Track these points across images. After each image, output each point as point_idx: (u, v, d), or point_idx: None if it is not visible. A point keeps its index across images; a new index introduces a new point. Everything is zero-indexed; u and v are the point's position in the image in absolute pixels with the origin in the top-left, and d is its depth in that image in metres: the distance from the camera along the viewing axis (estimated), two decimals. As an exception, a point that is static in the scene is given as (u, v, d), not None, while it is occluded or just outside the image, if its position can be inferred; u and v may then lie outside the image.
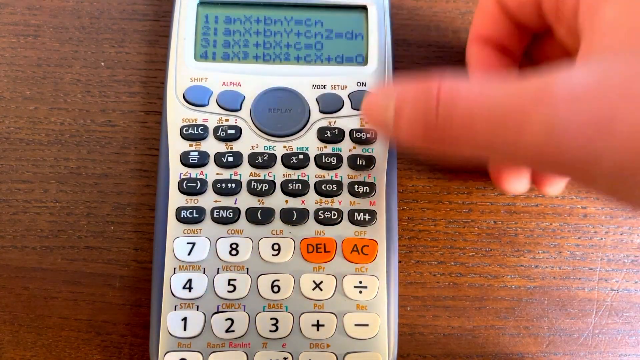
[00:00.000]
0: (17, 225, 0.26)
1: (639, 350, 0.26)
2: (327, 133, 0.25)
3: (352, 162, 0.24)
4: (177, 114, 0.25)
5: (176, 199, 0.24)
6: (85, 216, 0.26)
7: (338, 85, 0.25)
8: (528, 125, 0.16)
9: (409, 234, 0.26)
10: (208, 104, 0.25)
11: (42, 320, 0.25)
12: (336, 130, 0.25)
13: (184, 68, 0.25)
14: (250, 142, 0.24)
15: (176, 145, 0.24)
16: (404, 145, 0.21)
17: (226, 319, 0.23)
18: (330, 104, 0.25)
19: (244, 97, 0.25)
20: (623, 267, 0.27)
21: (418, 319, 0.26)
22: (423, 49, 0.29)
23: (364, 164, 0.24)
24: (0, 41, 0.28)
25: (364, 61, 0.26)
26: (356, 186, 0.24)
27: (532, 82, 0.17)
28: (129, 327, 0.25)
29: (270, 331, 0.23)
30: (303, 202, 0.24)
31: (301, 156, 0.24)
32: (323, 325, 0.23)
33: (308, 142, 0.25)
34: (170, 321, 0.23)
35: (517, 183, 0.25)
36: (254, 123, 0.25)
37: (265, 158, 0.24)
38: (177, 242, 0.23)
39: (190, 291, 0.23)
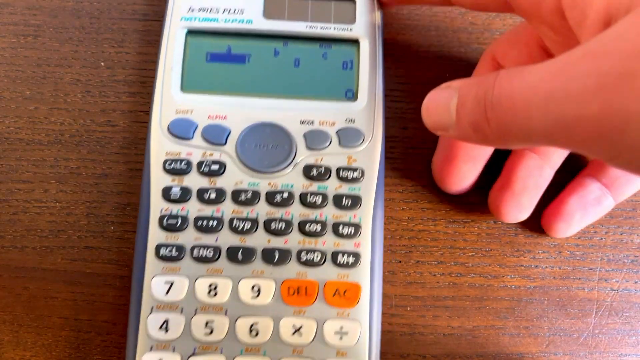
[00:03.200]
0: (17, 226, 0.26)
1: (639, 350, 0.26)
2: (313, 171, 0.24)
3: (338, 201, 0.24)
4: (160, 146, 0.24)
5: (156, 235, 0.23)
6: (85, 216, 0.26)
7: (326, 122, 0.24)
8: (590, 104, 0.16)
9: (409, 234, 0.26)
10: (193, 138, 0.24)
11: (42, 320, 0.25)
12: (322, 168, 0.24)
13: (170, 99, 0.24)
14: (234, 178, 0.24)
15: (158, 180, 0.24)
16: (464, 141, 0.21)
17: None
18: (317, 141, 0.24)
19: (230, 131, 0.24)
20: (623, 267, 0.27)
21: (418, 319, 0.26)
22: (423, 50, 0.29)
23: (349, 204, 0.24)
24: (0, 41, 0.28)
25: (353, 97, 0.25)
26: (341, 227, 0.23)
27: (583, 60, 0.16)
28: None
29: None
30: (286, 241, 0.23)
31: (285, 194, 0.24)
32: None
33: (293, 179, 0.24)
34: None
35: (517, 212, 0.25)
36: (239, 158, 0.24)
37: (248, 196, 0.23)
38: (155, 280, 0.23)
39: (166, 332, 0.22)
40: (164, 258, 0.23)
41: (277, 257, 0.23)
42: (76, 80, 0.28)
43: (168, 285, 0.23)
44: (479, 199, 0.27)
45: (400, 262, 0.26)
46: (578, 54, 0.16)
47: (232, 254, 0.23)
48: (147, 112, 0.28)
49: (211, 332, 0.22)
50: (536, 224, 0.27)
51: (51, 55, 0.28)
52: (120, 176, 0.27)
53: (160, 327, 0.22)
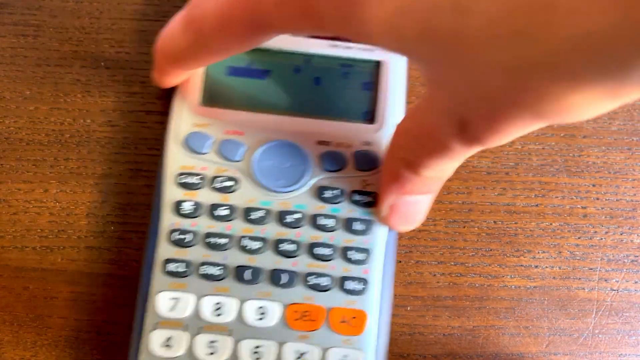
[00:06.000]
0: (17, 225, 0.26)
1: (639, 351, 0.26)
2: (326, 193, 0.23)
3: (349, 225, 0.23)
4: (175, 160, 0.24)
5: (165, 250, 0.23)
6: (85, 216, 0.26)
7: (343, 143, 0.24)
8: None
9: (409, 234, 0.26)
10: (208, 152, 0.24)
11: (42, 320, 0.25)
12: (336, 190, 0.23)
13: (188, 112, 0.24)
14: (247, 195, 0.23)
15: (171, 193, 0.23)
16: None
17: None
18: (333, 163, 0.24)
19: (246, 147, 0.24)
20: (623, 267, 0.27)
21: (418, 319, 0.26)
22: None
23: (361, 229, 0.23)
24: (0, 41, 0.28)
25: (372, 119, 0.25)
26: (351, 252, 0.23)
27: None
28: (129, 327, 0.25)
29: None
30: (294, 264, 0.23)
31: (298, 215, 0.23)
32: None
33: (306, 200, 0.23)
34: None
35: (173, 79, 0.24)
36: (253, 176, 0.23)
37: (260, 214, 0.23)
38: (161, 296, 0.22)
39: (168, 350, 0.22)
40: (171, 274, 0.22)
41: (284, 279, 0.23)
42: (76, 80, 0.28)
43: (174, 302, 0.22)
44: (479, 199, 0.27)
45: (400, 262, 0.26)
46: None
47: (240, 273, 0.22)
48: (148, 112, 0.28)
49: (214, 352, 0.22)
50: (536, 223, 0.27)
51: (51, 55, 0.28)
52: (120, 176, 0.27)
53: (162, 345, 0.22)
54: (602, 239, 0.27)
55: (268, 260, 0.23)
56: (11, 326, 0.25)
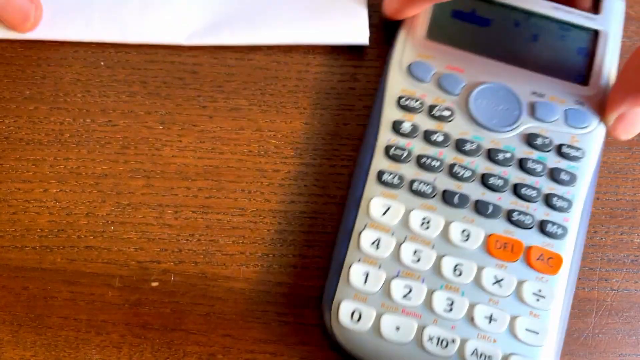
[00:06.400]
0: (16, 225, 0.26)
1: (639, 350, 0.26)
2: (536, 140, 0.25)
3: (555, 175, 0.24)
4: (397, 83, 0.26)
5: (380, 162, 0.25)
6: (85, 216, 0.26)
7: (557, 98, 0.26)
8: None
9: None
10: (429, 82, 0.26)
11: (41, 320, 0.25)
12: (546, 139, 0.25)
13: (415, 42, 0.27)
14: (461, 128, 0.25)
15: (390, 113, 0.25)
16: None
17: (405, 286, 0.23)
18: (545, 113, 0.25)
19: (465, 84, 0.26)
20: (623, 267, 0.27)
21: (418, 319, 0.26)
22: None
23: (566, 179, 0.24)
24: (1, 41, 0.29)
25: (584, 82, 0.26)
26: (554, 199, 0.24)
27: None
28: (128, 327, 0.25)
29: (444, 310, 0.23)
30: (499, 198, 0.24)
31: (507, 154, 0.25)
32: (495, 321, 0.23)
33: (515, 143, 0.25)
34: (353, 272, 0.23)
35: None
36: (468, 111, 0.25)
37: (472, 147, 0.25)
38: (374, 201, 0.24)
39: (376, 249, 0.23)
40: (385, 183, 0.24)
41: (490, 210, 0.24)
42: (76, 80, 0.28)
43: (385, 209, 0.24)
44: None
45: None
46: None
47: (449, 196, 0.24)
48: (148, 112, 0.28)
49: (418, 260, 0.23)
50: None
51: (51, 55, 0.28)
52: (120, 176, 0.27)
53: (372, 243, 0.23)
54: (602, 238, 0.27)
55: (475, 190, 0.24)
56: (11, 326, 0.25)
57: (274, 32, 0.28)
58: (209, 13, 0.29)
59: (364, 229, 0.24)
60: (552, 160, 0.25)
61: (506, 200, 0.24)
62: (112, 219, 0.26)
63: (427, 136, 0.25)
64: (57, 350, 0.25)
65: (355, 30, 0.28)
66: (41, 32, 0.28)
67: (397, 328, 0.22)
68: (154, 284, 0.26)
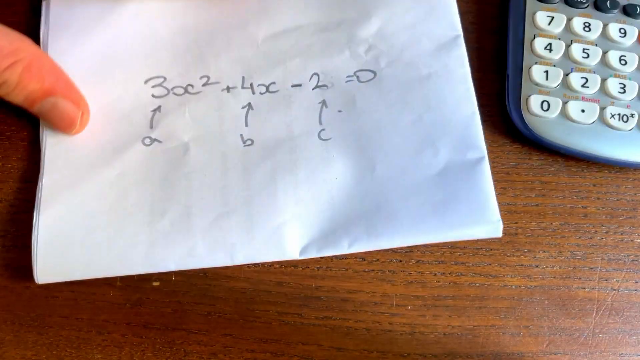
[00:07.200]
0: (18, 225, 0.26)
1: (639, 350, 0.26)
2: None
3: None
4: None
5: None
6: (86, 216, 0.26)
7: None
8: None
9: (410, 234, 0.26)
10: None
11: (43, 319, 0.25)
12: None
13: None
14: None
15: None
16: None
17: (581, 77, 0.28)
18: None
19: None
20: (623, 267, 0.27)
21: (418, 319, 0.26)
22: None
23: None
24: (2, 41, 0.29)
25: None
26: None
27: None
28: (129, 326, 0.25)
29: (619, 92, 0.27)
30: None
31: None
32: None
33: None
34: (534, 72, 0.28)
35: None
36: None
37: None
38: (540, 14, 0.29)
39: (550, 52, 0.28)
40: (543, 0, 0.29)
41: (638, 10, 0.29)
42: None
43: (549, 19, 0.29)
44: (480, 198, 0.27)
45: (400, 261, 0.26)
46: None
47: (601, 2, 0.29)
48: (148, 112, 0.28)
49: (587, 57, 0.28)
50: (536, 223, 0.27)
51: (52, 55, 0.28)
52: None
53: (544, 48, 0.28)
54: (602, 238, 0.27)
55: None
56: (12, 325, 0.25)
57: (398, 237, 0.25)
58: (323, 221, 0.26)
59: (534, 38, 0.28)
60: None
61: None
62: (113, 218, 0.26)
63: None
64: (59, 350, 0.25)
65: (486, 221, 0.25)
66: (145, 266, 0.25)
67: (583, 111, 0.27)
68: (155, 283, 0.26)
